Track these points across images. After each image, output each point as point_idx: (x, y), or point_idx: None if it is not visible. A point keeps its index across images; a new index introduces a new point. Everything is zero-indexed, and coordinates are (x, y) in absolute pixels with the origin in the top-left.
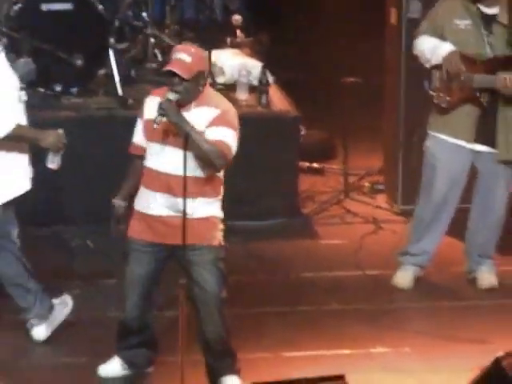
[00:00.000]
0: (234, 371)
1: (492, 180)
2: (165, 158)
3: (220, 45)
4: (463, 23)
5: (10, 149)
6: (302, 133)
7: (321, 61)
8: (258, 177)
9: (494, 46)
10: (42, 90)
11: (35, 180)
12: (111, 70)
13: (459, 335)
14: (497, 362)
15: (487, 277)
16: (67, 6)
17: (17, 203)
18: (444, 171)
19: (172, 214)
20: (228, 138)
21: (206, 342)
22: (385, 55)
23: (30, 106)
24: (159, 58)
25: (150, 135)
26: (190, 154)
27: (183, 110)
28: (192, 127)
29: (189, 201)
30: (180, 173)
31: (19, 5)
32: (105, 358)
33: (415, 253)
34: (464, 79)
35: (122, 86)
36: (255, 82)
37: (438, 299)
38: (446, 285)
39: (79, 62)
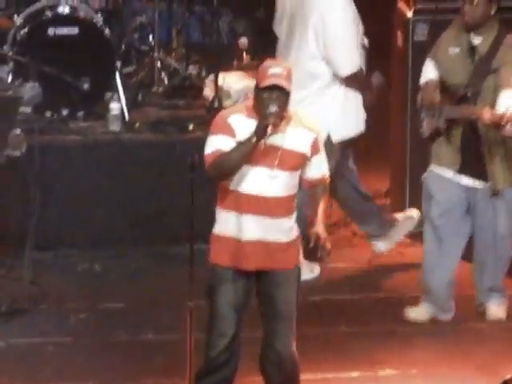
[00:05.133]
0: None
1: (488, 215)
2: (264, 181)
3: (226, 68)
4: (454, 51)
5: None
6: None
7: None
8: None
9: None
10: (49, 114)
11: (40, 204)
12: (118, 93)
13: (467, 358)
14: None
15: (495, 309)
16: (74, 31)
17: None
18: (436, 203)
19: (274, 237)
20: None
21: (276, 356)
22: (391, 77)
23: (37, 130)
24: (166, 81)
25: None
26: (287, 174)
27: (277, 131)
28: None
29: (287, 221)
30: (278, 194)
31: (26, 29)
32: (108, 382)
33: (427, 289)
34: (436, 110)
35: (129, 109)
36: None
37: (446, 322)
38: (456, 308)
39: (86, 86)
